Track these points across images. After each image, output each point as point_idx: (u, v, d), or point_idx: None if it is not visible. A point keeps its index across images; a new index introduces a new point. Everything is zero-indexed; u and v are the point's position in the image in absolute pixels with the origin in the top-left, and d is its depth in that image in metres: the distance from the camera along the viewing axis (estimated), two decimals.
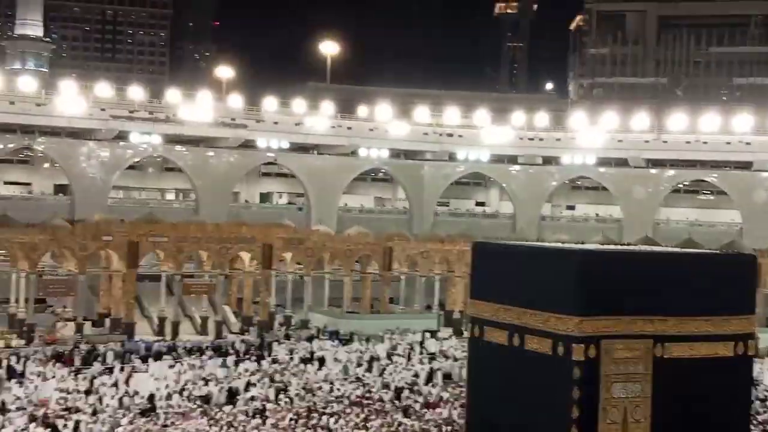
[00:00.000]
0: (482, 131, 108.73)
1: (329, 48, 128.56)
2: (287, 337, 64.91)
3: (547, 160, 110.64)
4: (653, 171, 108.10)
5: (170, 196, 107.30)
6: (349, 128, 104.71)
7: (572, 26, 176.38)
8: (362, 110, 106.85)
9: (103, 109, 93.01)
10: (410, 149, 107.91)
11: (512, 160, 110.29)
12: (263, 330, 67.20)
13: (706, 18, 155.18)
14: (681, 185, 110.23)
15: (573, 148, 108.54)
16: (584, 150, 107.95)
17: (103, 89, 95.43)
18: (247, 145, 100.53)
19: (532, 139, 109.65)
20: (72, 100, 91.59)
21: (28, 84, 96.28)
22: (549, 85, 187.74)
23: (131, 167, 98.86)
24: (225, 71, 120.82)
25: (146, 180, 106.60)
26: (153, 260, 71.65)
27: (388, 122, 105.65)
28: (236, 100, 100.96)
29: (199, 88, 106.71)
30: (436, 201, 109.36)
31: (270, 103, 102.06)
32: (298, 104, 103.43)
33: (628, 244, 56.89)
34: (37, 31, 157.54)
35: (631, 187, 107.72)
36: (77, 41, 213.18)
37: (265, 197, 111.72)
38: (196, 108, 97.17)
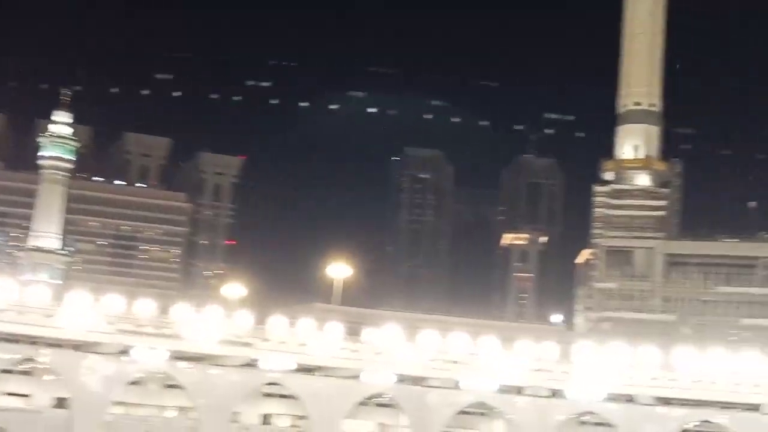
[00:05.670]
0: (489, 360, 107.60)
1: (339, 270, 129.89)
2: None
3: (554, 393, 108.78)
4: (661, 409, 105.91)
5: (170, 413, 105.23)
6: (355, 351, 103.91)
7: (580, 260, 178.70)
8: (368, 333, 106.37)
9: (110, 323, 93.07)
10: (417, 375, 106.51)
11: (519, 390, 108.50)
12: None
13: (713, 257, 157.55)
14: (690, 425, 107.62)
15: (580, 382, 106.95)
16: (592, 384, 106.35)
17: (113, 303, 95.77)
18: (252, 364, 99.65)
19: (538, 371, 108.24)
20: (80, 312, 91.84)
21: (38, 295, 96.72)
22: (557, 317, 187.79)
23: (133, 383, 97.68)
24: (234, 289, 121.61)
25: (147, 396, 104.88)
26: None
27: (395, 346, 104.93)
28: (244, 318, 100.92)
29: (208, 305, 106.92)
30: (441, 430, 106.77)
31: (277, 322, 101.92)
32: (305, 324, 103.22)
33: None
34: (53, 244, 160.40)
35: (639, 425, 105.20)
36: (92, 255, 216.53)
37: (266, 418, 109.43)
38: (203, 325, 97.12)
